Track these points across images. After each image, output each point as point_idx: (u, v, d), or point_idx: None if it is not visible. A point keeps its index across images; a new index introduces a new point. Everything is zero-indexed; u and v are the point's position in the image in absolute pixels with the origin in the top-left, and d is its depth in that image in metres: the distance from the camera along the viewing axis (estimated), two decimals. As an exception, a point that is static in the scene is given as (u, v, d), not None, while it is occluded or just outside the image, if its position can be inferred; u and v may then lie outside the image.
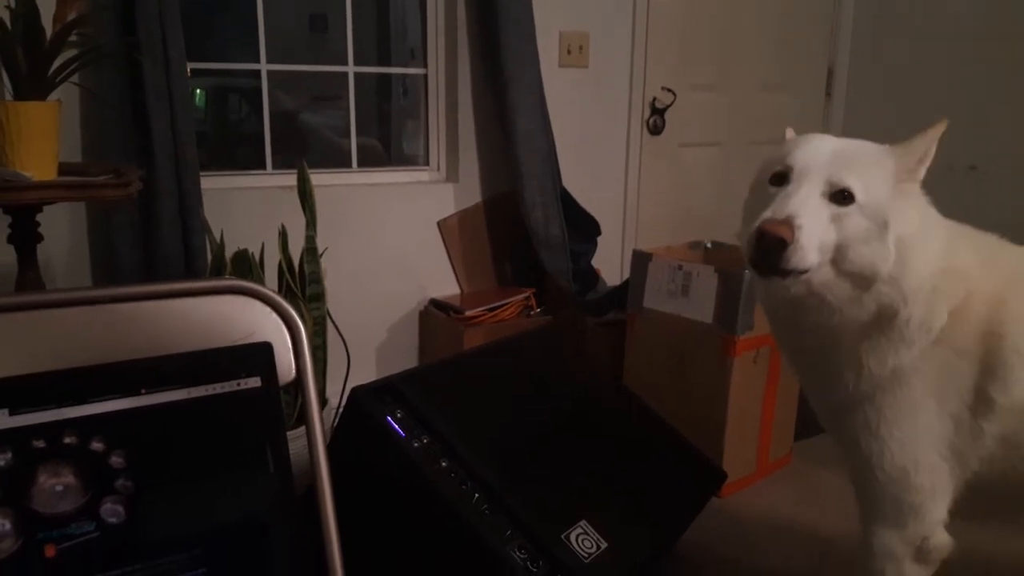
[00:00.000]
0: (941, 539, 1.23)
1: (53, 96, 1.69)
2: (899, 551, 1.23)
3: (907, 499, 1.21)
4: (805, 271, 1.09)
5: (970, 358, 1.15)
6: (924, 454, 1.18)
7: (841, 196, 1.10)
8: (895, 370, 1.18)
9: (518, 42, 2.71)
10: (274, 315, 1.05)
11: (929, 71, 3.40)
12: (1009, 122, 3.16)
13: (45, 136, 1.65)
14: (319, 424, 1.04)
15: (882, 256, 1.11)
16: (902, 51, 3.51)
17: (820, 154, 1.13)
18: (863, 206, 1.09)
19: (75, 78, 1.74)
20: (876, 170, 1.12)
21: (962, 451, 1.18)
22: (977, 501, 1.22)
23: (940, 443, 1.18)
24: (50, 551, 0.85)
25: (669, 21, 3.21)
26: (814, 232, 1.07)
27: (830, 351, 1.22)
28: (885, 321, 1.16)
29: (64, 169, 1.75)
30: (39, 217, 1.77)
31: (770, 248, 1.06)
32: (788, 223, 1.06)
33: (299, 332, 1.04)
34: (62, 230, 2.25)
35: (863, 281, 1.12)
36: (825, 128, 3.64)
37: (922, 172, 1.16)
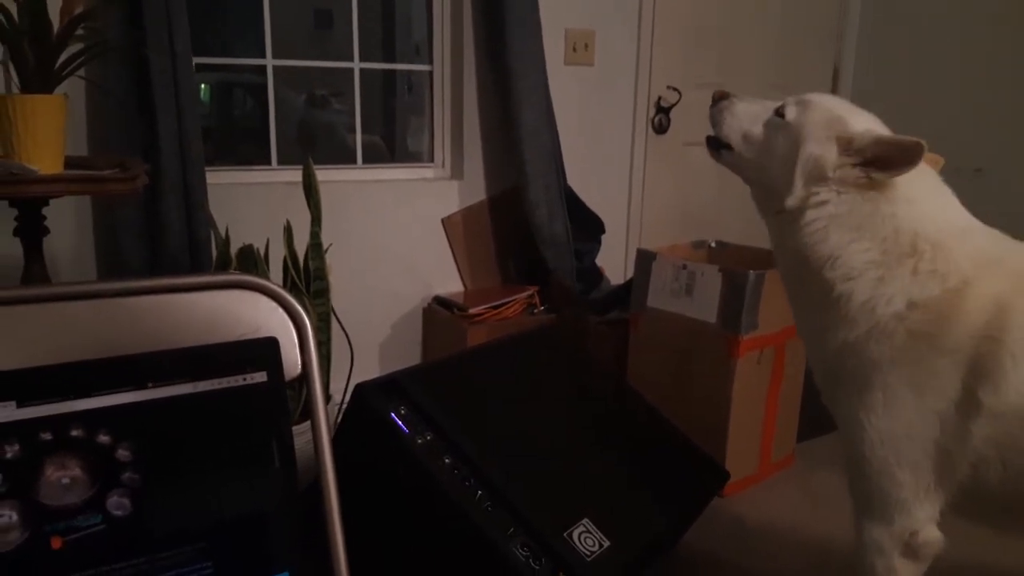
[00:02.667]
0: (931, 535, 1.23)
1: (60, 89, 1.69)
2: (887, 545, 1.24)
3: (892, 493, 1.22)
4: (728, 145, 1.38)
5: (956, 356, 1.15)
6: (907, 448, 1.19)
7: (779, 112, 1.32)
8: (856, 352, 1.23)
9: (524, 39, 2.71)
10: (280, 310, 1.05)
11: (935, 73, 3.39)
12: (1016, 124, 3.16)
13: (52, 129, 1.65)
14: (324, 419, 1.04)
15: (784, 181, 1.27)
16: (907, 53, 3.50)
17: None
18: (788, 125, 1.29)
19: (81, 72, 1.75)
20: (819, 119, 1.26)
21: (949, 451, 1.17)
22: (980, 505, 1.22)
23: (924, 440, 1.18)
24: (56, 543, 0.85)
25: (675, 20, 3.21)
26: (743, 114, 1.37)
27: (802, 309, 1.36)
28: (822, 288, 1.25)
29: (70, 162, 1.75)
30: (45, 210, 1.77)
31: (712, 108, 1.41)
32: (727, 95, 1.41)
33: (305, 328, 1.05)
34: (67, 224, 2.26)
35: (769, 196, 1.32)
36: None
37: (881, 175, 1.20)
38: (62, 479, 0.86)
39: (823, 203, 1.24)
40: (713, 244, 2.63)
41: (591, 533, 1.50)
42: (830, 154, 1.23)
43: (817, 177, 1.24)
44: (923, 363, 1.17)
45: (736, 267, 2.20)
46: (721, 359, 2.21)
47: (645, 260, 2.40)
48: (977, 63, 3.27)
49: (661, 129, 3.28)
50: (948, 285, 1.17)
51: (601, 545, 1.49)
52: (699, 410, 2.22)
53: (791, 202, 1.26)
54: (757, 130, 1.34)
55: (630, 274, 2.63)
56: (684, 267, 2.29)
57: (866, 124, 1.25)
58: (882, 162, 1.19)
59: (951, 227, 1.23)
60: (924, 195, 1.24)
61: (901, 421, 1.19)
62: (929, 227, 1.21)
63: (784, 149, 1.28)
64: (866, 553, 1.26)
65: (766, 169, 1.32)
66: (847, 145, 1.22)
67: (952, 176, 1.29)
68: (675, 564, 1.91)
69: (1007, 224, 1.29)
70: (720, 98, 1.41)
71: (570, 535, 1.47)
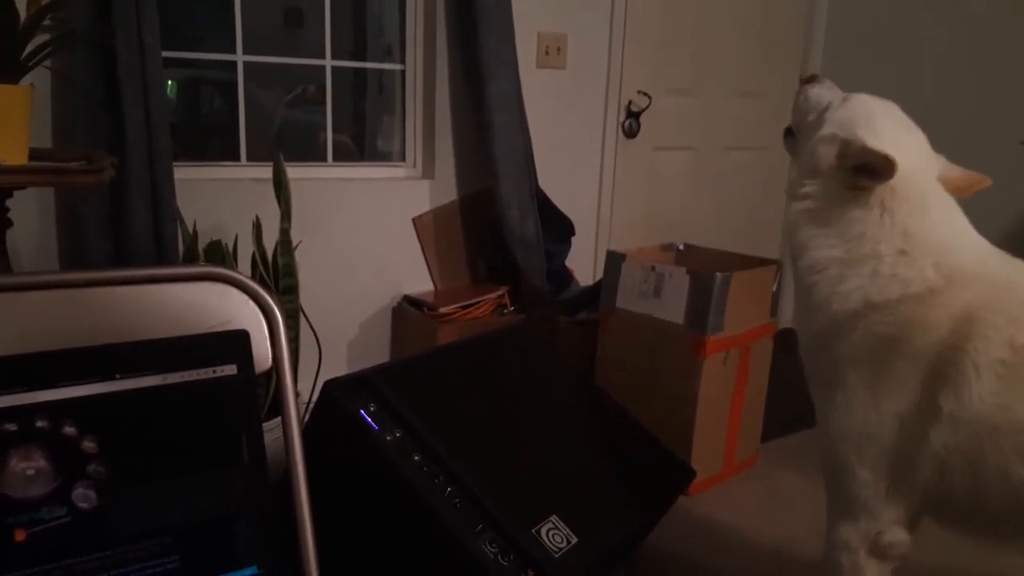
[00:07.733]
0: (896, 537, 1.24)
1: (25, 80, 1.66)
2: (854, 543, 1.25)
3: (855, 492, 1.24)
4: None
5: (917, 362, 1.16)
6: (866, 447, 1.21)
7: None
8: (822, 346, 1.26)
9: (496, 41, 2.71)
10: (251, 303, 1.05)
11: (897, 83, 3.47)
12: (975, 130, 3.24)
13: (17, 120, 1.62)
14: (295, 412, 1.04)
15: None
16: (872, 62, 3.58)
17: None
18: (823, 116, 1.35)
19: (48, 62, 1.72)
20: (841, 118, 1.31)
21: (908, 453, 1.18)
22: (951, 511, 1.23)
23: (882, 440, 1.20)
24: (20, 535, 0.84)
25: (646, 25, 3.24)
26: (811, 100, 1.41)
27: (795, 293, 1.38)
28: (798, 276, 1.32)
29: (35, 154, 1.72)
30: (8, 202, 1.73)
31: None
32: (813, 78, 1.47)
33: (276, 320, 1.04)
34: (30, 217, 2.21)
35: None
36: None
37: (869, 182, 1.23)
38: (26, 471, 0.85)
39: (807, 195, 1.29)
40: (681, 247, 2.66)
41: (559, 530, 1.51)
42: (829, 154, 1.28)
43: (812, 169, 1.29)
44: (883, 365, 1.19)
45: (703, 269, 2.23)
46: (688, 359, 2.24)
47: (614, 262, 2.42)
48: (939, 70, 3.35)
49: (631, 133, 3.31)
50: (910, 291, 1.18)
51: (569, 542, 1.50)
52: (666, 410, 2.25)
53: (795, 170, 1.34)
54: (812, 118, 1.38)
55: (599, 275, 2.65)
56: (653, 269, 2.32)
57: (881, 134, 1.25)
58: (868, 170, 1.21)
59: (928, 241, 1.22)
60: (911, 208, 1.23)
61: (859, 419, 1.21)
62: (898, 239, 1.21)
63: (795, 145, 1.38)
64: (834, 549, 1.28)
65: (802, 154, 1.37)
66: (843, 149, 1.26)
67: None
68: (641, 561, 1.93)
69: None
70: (805, 82, 1.44)
71: (538, 532, 1.48)
